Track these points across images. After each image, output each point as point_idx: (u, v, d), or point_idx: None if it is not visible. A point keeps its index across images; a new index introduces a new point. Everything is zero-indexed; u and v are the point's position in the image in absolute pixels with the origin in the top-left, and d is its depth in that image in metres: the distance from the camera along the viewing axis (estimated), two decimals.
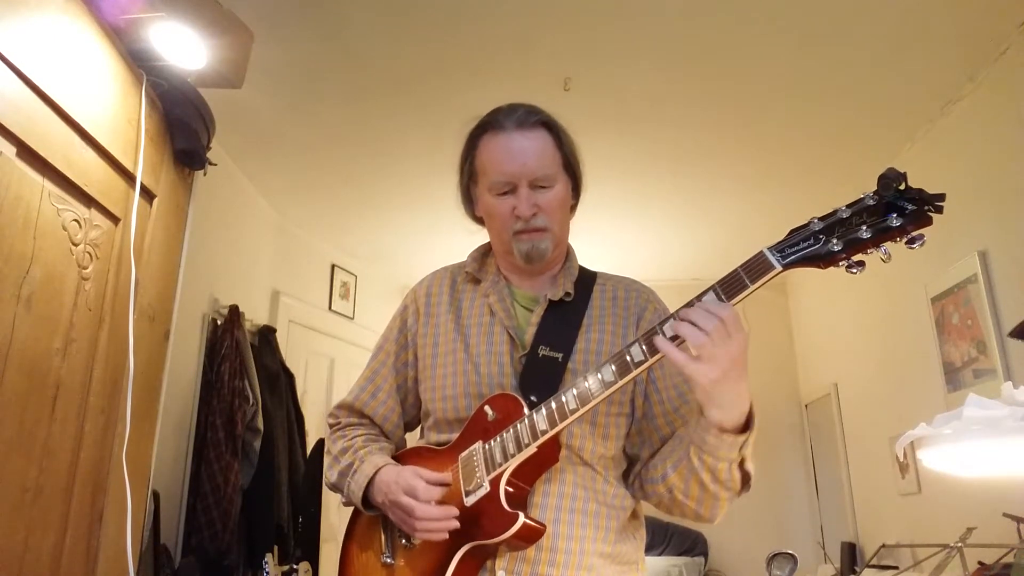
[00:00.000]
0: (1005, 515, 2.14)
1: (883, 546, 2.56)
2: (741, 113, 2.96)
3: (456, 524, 1.09)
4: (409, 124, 3.02)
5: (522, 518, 1.05)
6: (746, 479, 1.08)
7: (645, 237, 4.25)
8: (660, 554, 4.28)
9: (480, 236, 1.38)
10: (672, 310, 1.02)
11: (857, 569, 3.41)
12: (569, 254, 1.34)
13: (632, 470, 1.23)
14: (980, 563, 2.16)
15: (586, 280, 1.30)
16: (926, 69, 2.64)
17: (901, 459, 3.20)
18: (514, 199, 1.20)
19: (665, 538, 4.38)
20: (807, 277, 4.60)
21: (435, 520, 1.09)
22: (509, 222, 1.22)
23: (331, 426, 1.36)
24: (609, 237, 4.19)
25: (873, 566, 2.98)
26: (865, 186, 0.94)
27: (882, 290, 3.47)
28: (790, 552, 2.90)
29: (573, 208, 1.31)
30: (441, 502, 1.12)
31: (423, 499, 1.10)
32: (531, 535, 1.07)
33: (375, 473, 1.18)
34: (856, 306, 3.81)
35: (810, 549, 4.26)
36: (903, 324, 3.24)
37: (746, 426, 1.02)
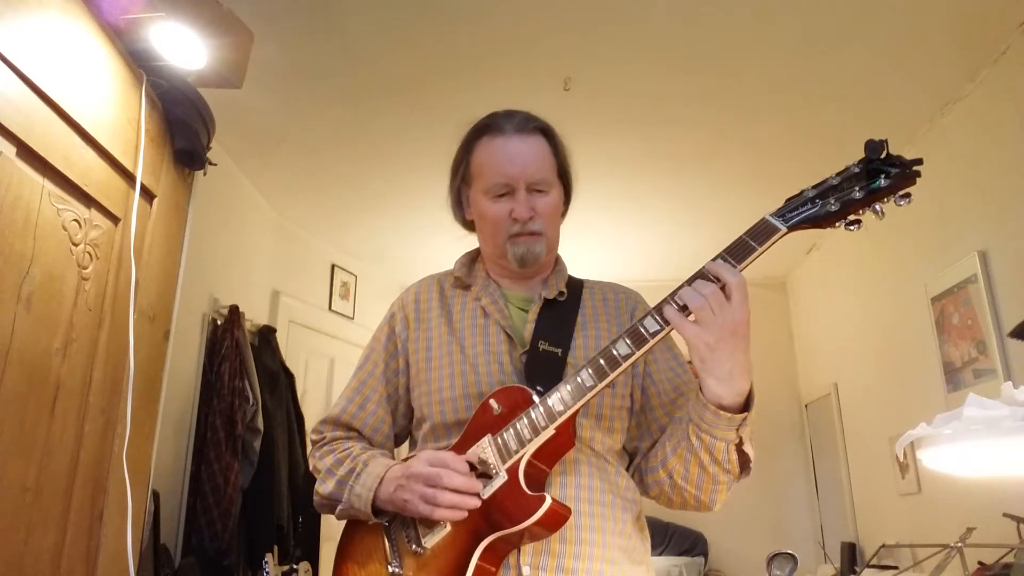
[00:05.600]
0: (1005, 515, 2.14)
1: (883, 546, 2.56)
2: (741, 113, 2.96)
3: (477, 503, 1.04)
4: (409, 124, 3.02)
5: (549, 499, 1.02)
6: (745, 463, 1.07)
7: (645, 237, 4.25)
8: (660, 554, 4.28)
9: (470, 241, 1.38)
10: None
11: (857, 569, 3.40)
12: (558, 260, 1.36)
13: (632, 463, 1.23)
14: (980, 563, 2.16)
15: (575, 284, 1.33)
16: (926, 69, 2.64)
17: (901, 459, 3.20)
18: (511, 202, 1.20)
19: (665, 538, 4.38)
20: (807, 277, 4.60)
21: (459, 492, 1.03)
22: (505, 224, 1.22)
23: (315, 443, 1.29)
24: (608, 237, 4.19)
25: (873, 566, 2.98)
26: None
27: (882, 290, 3.47)
28: (790, 552, 2.90)
29: (563, 216, 1.33)
30: None
31: (452, 467, 1.06)
32: (556, 520, 1.04)
33: (386, 472, 1.12)
34: (856, 306, 3.81)
35: (810, 549, 4.26)
36: (903, 324, 3.24)
37: (745, 408, 1.02)
